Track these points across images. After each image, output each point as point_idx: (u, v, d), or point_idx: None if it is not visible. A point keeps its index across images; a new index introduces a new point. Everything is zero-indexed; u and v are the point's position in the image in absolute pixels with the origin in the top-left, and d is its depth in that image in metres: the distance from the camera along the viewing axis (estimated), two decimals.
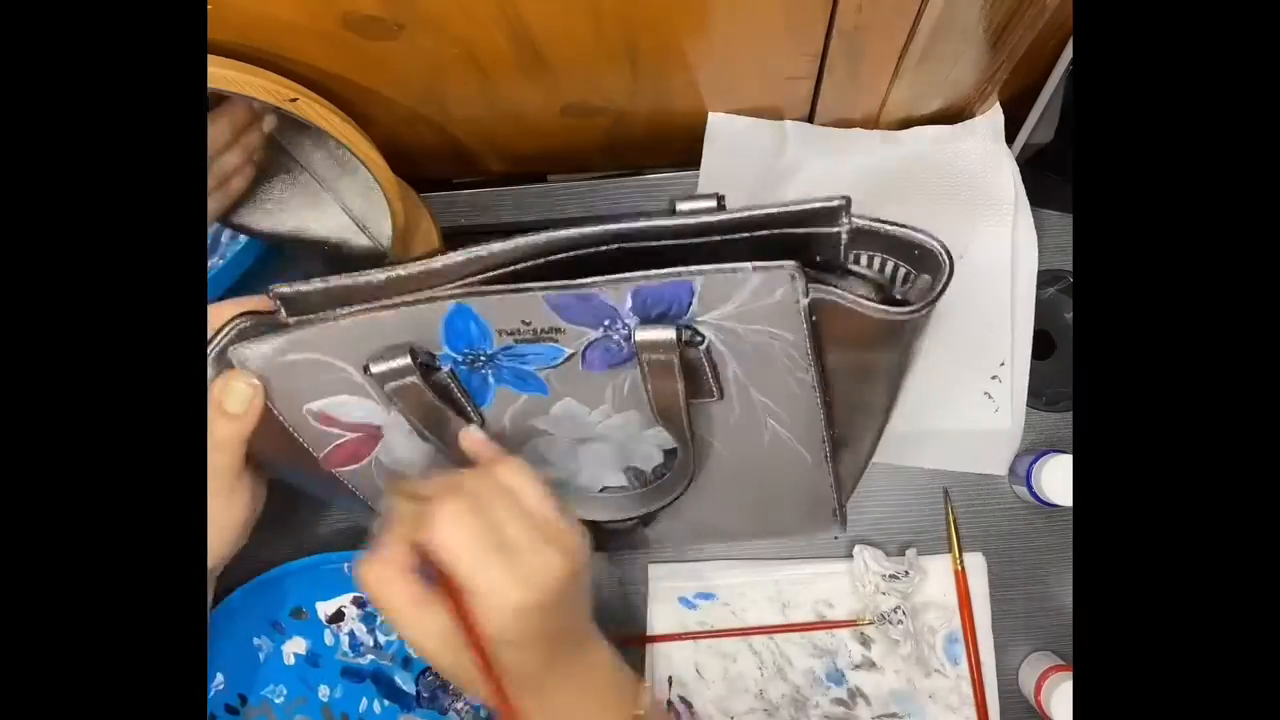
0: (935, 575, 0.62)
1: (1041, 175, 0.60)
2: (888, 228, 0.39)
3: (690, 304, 0.39)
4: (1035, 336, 0.63)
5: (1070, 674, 0.56)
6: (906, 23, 0.48)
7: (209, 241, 0.57)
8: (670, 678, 0.62)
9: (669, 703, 0.62)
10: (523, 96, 0.54)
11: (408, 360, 0.41)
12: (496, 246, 0.40)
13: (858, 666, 0.62)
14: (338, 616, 0.64)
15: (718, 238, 0.39)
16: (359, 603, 0.64)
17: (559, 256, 0.40)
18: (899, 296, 0.41)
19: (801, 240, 0.39)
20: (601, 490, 0.54)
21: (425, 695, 0.63)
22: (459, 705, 0.63)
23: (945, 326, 0.57)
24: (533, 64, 0.50)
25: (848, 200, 0.38)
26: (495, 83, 0.52)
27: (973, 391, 0.60)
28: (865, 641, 0.62)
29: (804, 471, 0.52)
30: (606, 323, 0.40)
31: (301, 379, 0.43)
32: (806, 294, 0.38)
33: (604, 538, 0.59)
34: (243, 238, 0.56)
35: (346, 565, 0.62)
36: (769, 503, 0.55)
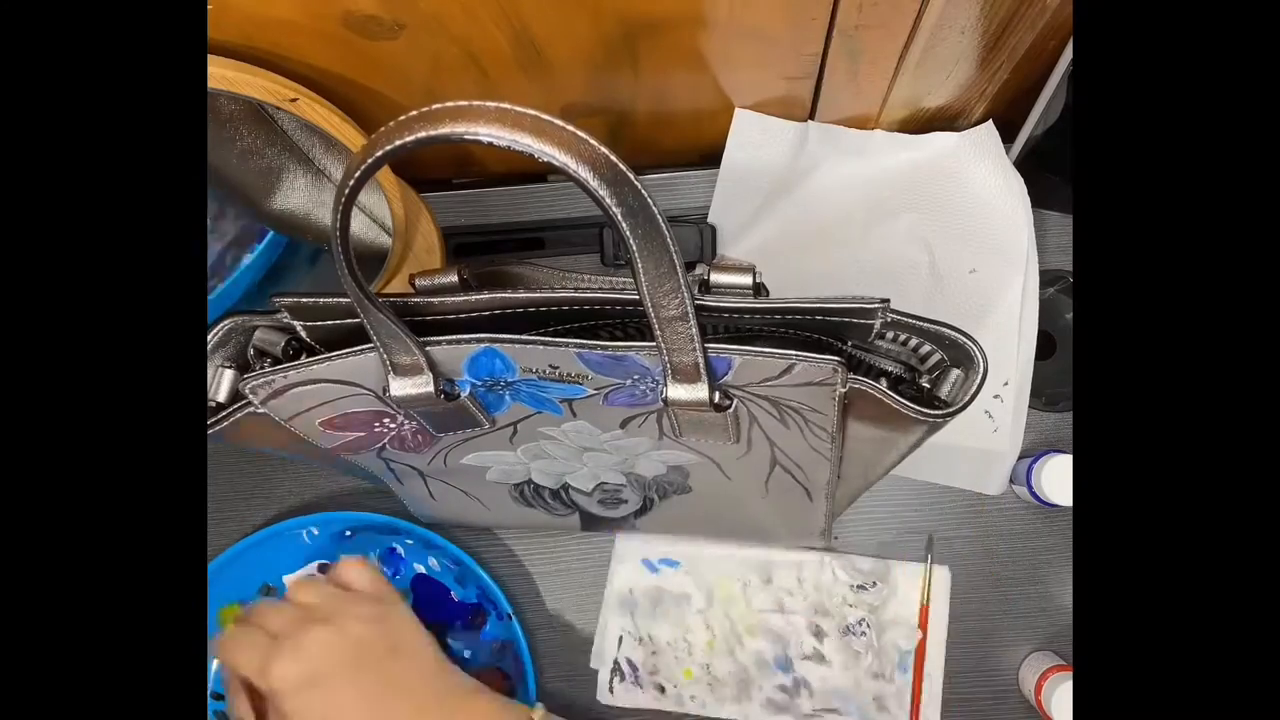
0: (905, 585, 0.62)
1: (1041, 175, 0.60)
2: (923, 324, 0.39)
3: (725, 375, 0.39)
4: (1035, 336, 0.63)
5: (1070, 674, 0.56)
6: (907, 22, 0.48)
7: (211, 263, 0.57)
8: (620, 638, 0.63)
9: (615, 662, 0.62)
10: (523, 96, 0.54)
11: (430, 390, 0.40)
12: (525, 296, 0.39)
13: (807, 658, 0.62)
14: None
15: (750, 315, 0.39)
16: (325, 570, 0.64)
17: (588, 308, 0.40)
18: (926, 385, 0.41)
19: (835, 326, 0.40)
20: (598, 486, 0.54)
21: None
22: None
23: None
24: (533, 64, 0.50)
25: (886, 301, 0.38)
26: (495, 83, 0.52)
27: (974, 408, 0.60)
28: (819, 634, 0.62)
29: (801, 504, 0.52)
30: (636, 376, 0.40)
31: (314, 400, 0.43)
32: (844, 385, 0.38)
33: (595, 524, 0.59)
34: (244, 261, 0.56)
35: (305, 532, 0.62)
36: (761, 519, 0.56)
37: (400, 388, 0.40)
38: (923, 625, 0.61)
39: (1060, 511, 0.61)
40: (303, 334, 0.43)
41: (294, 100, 0.45)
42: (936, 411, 0.39)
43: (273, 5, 0.41)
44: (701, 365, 0.37)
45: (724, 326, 0.41)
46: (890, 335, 0.41)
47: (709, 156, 0.63)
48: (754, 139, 0.61)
